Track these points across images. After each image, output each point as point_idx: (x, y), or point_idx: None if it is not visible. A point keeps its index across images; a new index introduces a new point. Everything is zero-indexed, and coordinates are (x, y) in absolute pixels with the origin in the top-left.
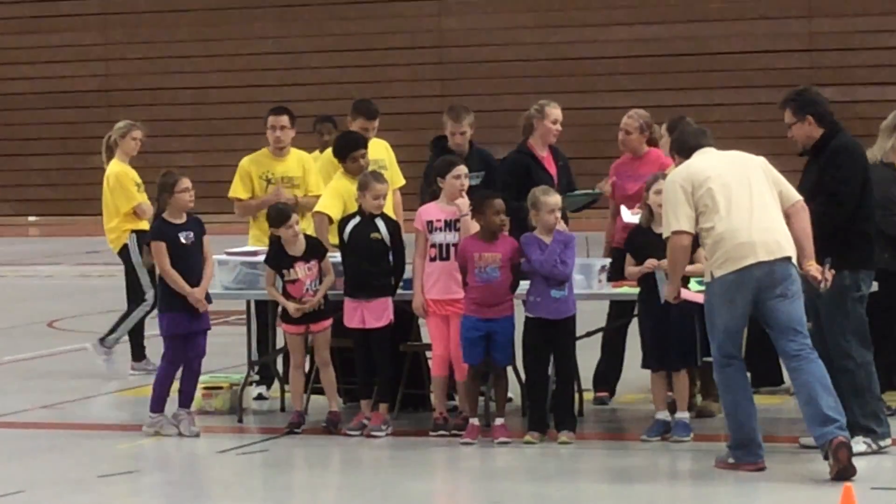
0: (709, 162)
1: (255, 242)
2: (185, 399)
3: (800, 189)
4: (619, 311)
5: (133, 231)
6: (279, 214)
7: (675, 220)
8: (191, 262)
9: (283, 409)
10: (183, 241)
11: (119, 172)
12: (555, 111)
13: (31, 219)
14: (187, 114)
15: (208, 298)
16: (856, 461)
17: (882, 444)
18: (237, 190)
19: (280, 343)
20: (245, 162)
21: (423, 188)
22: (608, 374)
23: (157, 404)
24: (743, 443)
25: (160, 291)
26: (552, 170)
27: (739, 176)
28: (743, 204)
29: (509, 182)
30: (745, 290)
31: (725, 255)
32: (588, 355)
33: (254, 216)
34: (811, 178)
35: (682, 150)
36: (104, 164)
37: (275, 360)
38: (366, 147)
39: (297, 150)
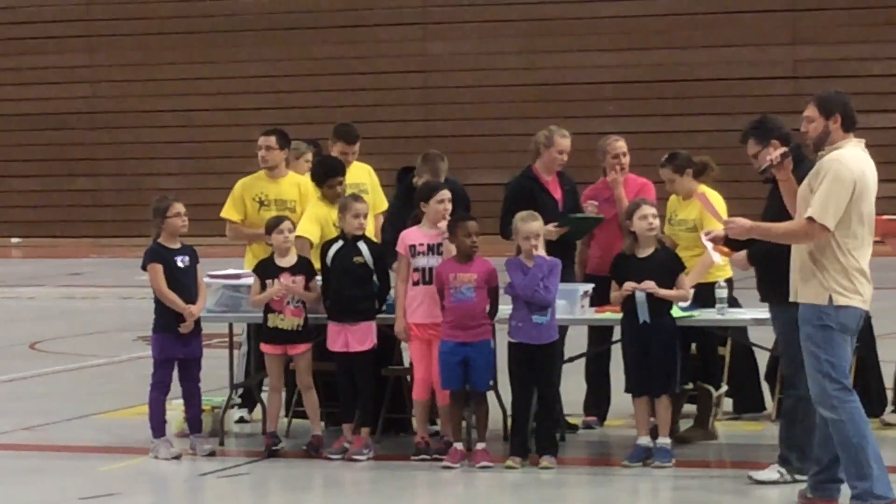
0: (872, 174)
1: (251, 266)
2: (195, 425)
3: (765, 217)
4: (599, 338)
5: None
6: (275, 220)
7: (831, 215)
8: (186, 286)
9: (264, 432)
10: (179, 264)
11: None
12: (563, 141)
13: (15, 240)
14: (172, 136)
15: (199, 325)
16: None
17: (798, 477)
18: (229, 211)
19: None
20: (239, 184)
21: (389, 221)
22: (597, 401)
23: (156, 430)
24: (877, 472)
25: (155, 313)
26: (557, 194)
27: (873, 203)
28: (869, 240)
29: (512, 207)
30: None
31: (859, 288)
32: (569, 381)
33: (247, 243)
34: (775, 207)
35: (850, 124)
36: None
37: (259, 383)
38: (343, 174)
39: (294, 174)
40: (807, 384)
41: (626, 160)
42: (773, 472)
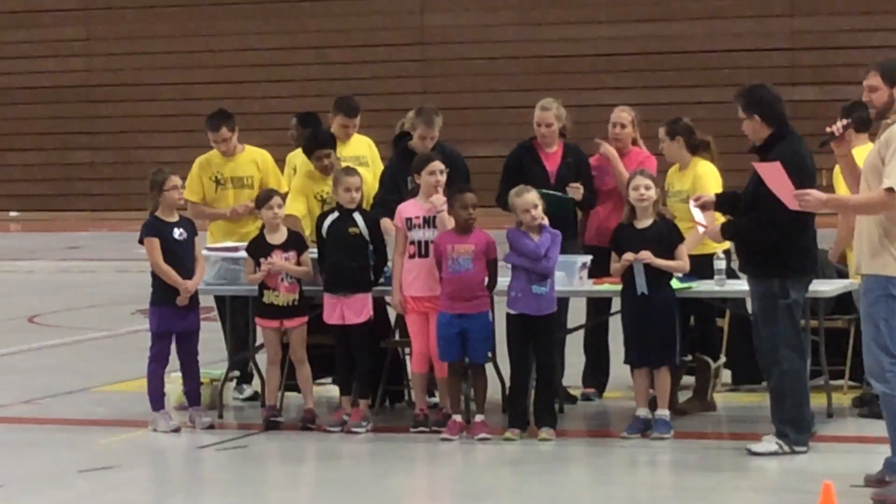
0: None
1: (212, 241)
2: (193, 398)
3: (748, 189)
4: (598, 310)
5: None
6: (265, 195)
7: None
8: (183, 259)
9: (263, 405)
10: (176, 237)
11: None
12: (540, 114)
13: (13, 214)
14: (169, 110)
15: (196, 298)
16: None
17: (797, 448)
18: (187, 192)
19: (260, 340)
20: (196, 163)
21: (379, 182)
22: (595, 372)
23: (155, 403)
24: None
25: (153, 286)
26: (552, 166)
27: None
28: None
29: (505, 176)
30: None
31: None
32: (568, 353)
33: (208, 220)
34: (755, 181)
35: None
36: None
37: (255, 356)
38: (332, 147)
39: (251, 149)
40: (789, 358)
41: (624, 132)
42: (771, 444)
